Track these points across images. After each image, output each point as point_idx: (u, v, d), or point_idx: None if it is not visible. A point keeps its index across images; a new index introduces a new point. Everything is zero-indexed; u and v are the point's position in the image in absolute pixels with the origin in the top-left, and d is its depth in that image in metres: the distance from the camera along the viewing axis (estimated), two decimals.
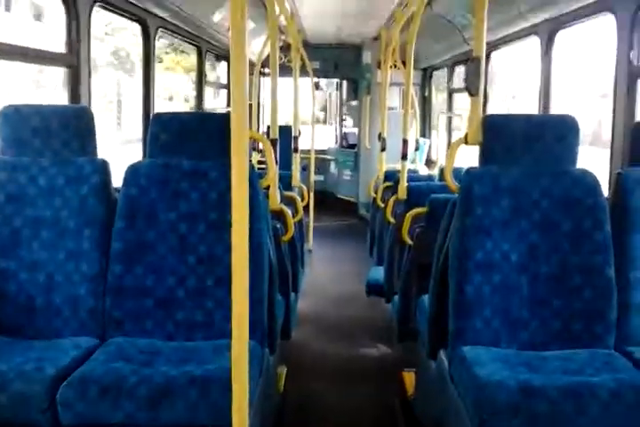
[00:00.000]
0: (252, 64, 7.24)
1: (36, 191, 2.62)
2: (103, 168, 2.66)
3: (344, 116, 10.58)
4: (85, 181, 2.62)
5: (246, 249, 1.65)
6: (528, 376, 2.10)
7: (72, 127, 2.66)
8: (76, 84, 3.51)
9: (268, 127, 4.11)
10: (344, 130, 10.39)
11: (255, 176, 2.63)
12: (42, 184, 2.63)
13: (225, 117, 2.76)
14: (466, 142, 2.68)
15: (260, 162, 5.97)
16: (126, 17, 4.41)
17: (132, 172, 2.64)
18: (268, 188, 3.45)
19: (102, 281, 2.55)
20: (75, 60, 3.49)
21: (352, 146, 9.99)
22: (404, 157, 4.75)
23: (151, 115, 4.55)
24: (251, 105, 7.23)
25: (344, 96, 10.40)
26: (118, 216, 2.58)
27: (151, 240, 2.57)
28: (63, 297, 2.54)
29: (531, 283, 2.47)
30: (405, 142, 4.82)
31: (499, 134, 2.59)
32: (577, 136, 2.58)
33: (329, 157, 10.35)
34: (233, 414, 1.70)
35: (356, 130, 9.92)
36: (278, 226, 3.44)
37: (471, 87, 2.70)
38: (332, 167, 10.29)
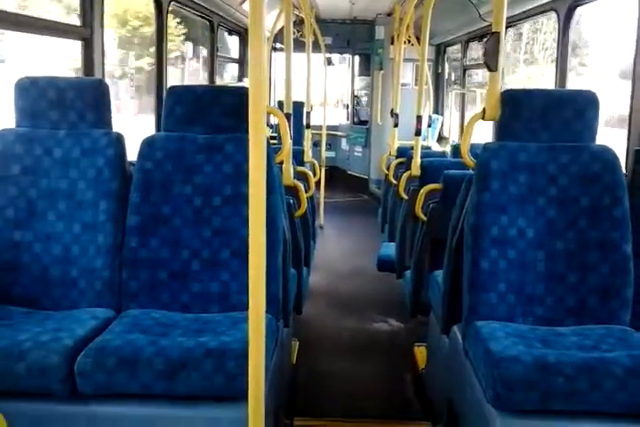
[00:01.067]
0: None
1: (52, 163, 2.63)
2: (118, 141, 2.66)
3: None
4: (101, 153, 2.62)
5: (263, 224, 1.66)
6: (543, 352, 2.10)
7: (88, 99, 2.66)
8: (89, 56, 3.50)
9: (279, 102, 4.09)
10: (356, 106, 10.31)
11: (270, 151, 2.62)
12: (57, 156, 2.63)
13: (240, 91, 2.75)
14: (483, 118, 2.66)
15: (271, 137, 5.95)
16: None
17: (147, 145, 2.64)
18: (281, 163, 3.44)
19: (118, 253, 2.57)
20: (88, 33, 3.47)
21: (363, 122, 9.93)
22: (418, 133, 4.71)
23: (164, 88, 4.55)
24: None
25: (356, 72, 10.30)
26: (134, 189, 2.59)
27: (166, 213, 2.58)
28: (79, 269, 2.56)
29: (547, 258, 2.46)
30: (420, 119, 4.78)
31: (517, 109, 2.56)
32: (596, 111, 2.56)
33: (340, 133, 10.30)
34: (249, 385, 1.72)
35: (367, 106, 9.86)
36: (291, 201, 3.45)
37: (490, 62, 2.67)
38: (344, 143, 10.24)
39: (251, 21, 1.58)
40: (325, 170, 7.72)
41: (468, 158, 2.79)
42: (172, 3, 4.81)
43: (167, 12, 4.74)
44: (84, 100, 2.65)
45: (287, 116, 3.81)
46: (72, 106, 2.64)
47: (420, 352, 3.58)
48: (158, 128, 4.56)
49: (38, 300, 2.55)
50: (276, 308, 2.51)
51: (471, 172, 2.72)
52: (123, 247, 2.57)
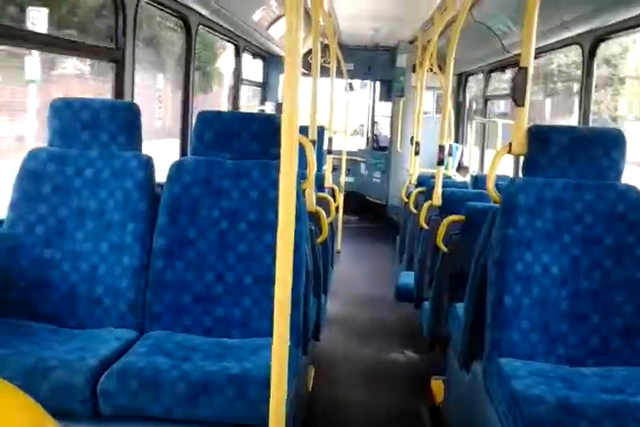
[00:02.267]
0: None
1: (82, 183, 2.66)
2: (148, 163, 2.70)
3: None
4: (130, 175, 2.66)
5: (291, 251, 1.66)
6: (567, 393, 2.08)
7: (119, 122, 2.70)
8: (120, 79, 3.56)
9: (301, 127, 4.11)
10: (375, 132, 10.37)
11: (298, 178, 2.64)
12: (88, 176, 2.67)
13: (269, 118, 2.78)
14: (509, 152, 2.67)
15: None
16: (169, 13, 4.46)
17: (176, 168, 2.67)
18: (304, 189, 3.46)
19: (143, 274, 2.59)
20: (120, 55, 3.54)
21: (383, 148, 9.97)
22: (441, 162, 4.72)
23: (190, 112, 4.60)
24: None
25: (376, 98, 10.38)
26: (161, 212, 2.62)
27: (192, 236, 2.60)
28: (105, 288, 2.58)
29: (571, 297, 2.44)
30: (442, 148, 4.79)
31: (543, 145, 2.57)
32: (623, 150, 2.56)
33: (359, 158, 10.34)
34: (270, 413, 1.71)
35: (387, 132, 9.91)
36: (313, 228, 3.45)
37: (517, 97, 2.69)
38: (363, 169, 10.27)
39: (287, 49, 1.61)
40: (344, 195, 7.74)
41: (493, 192, 2.79)
42: (201, 26, 4.90)
43: (196, 36, 4.82)
44: (115, 123, 2.70)
45: (313, 142, 3.84)
46: (104, 127, 2.69)
47: (437, 386, 3.54)
48: (183, 152, 4.61)
49: (64, 318, 2.57)
50: (296, 336, 2.51)
51: (494, 205, 2.71)
52: (148, 269, 2.58)
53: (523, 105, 2.69)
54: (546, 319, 2.43)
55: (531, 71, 2.72)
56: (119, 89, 3.52)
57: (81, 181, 2.66)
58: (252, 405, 2.02)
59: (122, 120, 2.70)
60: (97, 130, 2.69)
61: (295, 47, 1.64)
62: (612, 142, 2.55)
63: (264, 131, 2.70)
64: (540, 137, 2.59)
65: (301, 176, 3.14)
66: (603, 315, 2.43)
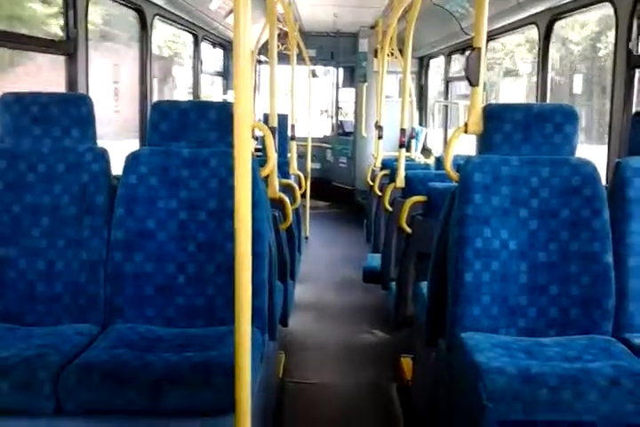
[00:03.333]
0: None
1: (36, 179, 2.62)
2: (103, 156, 2.67)
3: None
4: (85, 168, 2.62)
5: (249, 237, 1.67)
6: (527, 363, 2.13)
7: (72, 115, 2.66)
8: (73, 71, 3.50)
9: (265, 115, 4.12)
10: (340, 118, 10.38)
11: (256, 164, 2.64)
12: (41, 172, 2.63)
13: (225, 106, 2.77)
14: (466, 131, 2.70)
15: (256, 149, 5.98)
16: (123, 4, 4.40)
17: (132, 159, 2.64)
18: (266, 176, 3.46)
19: (102, 268, 2.56)
20: (72, 48, 3.48)
21: (348, 133, 9.99)
22: (402, 145, 4.76)
23: (148, 104, 4.56)
24: None
25: (340, 84, 10.38)
26: (118, 204, 2.59)
27: (151, 228, 2.58)
28: (63, 284, 2.55)
29: (529, 270, 2.49)
30: (404, 131, 4.83)
31: (498, 123, 2.60)
32: (576, 125, 2.60)
33: (325, 144, 10.34)
34: (235, 399, 1.72)
35: (352, 118, 9.92)
36: (277, 214, 3.46)
37: (472, 77, 2.71)
38: (329, 155, 10.29)
39: (235, 36, 1.60)
40: (311, 181, 7.74)
41: (451, 172, 2.82)
42: (157, 17, 4.84)
43: (151, 27, 4.76)
44: (68, 116, 2.65)
45: (273, 129, 3.83)
46: (56, 121, 2.65)
47: (406, 364, 3.59)
48: (142, 143, 4.57)
49: (23, 316, 2.54)
50: (261, 321, 2.52)
51: (455, 184, 2.75)
52: (107, 262, 2.56)
53: (477, 85, 2.72)
54: (506, 293, 2.47)
55: (484, 51, 2.75)
56: (72, 82, 3.47)
57: (34, 176, 2.62)
58: (217, 393, 2.02)
59: (74, 113, 2.66)
60: (49, 124, 2.64)
61: (244, 34, 1.63)
62: (564, 117, 2.59)
63: (220, 119, 2.68)
64: (494, 115, 2.62)
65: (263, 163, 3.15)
66: (561, 286, 2.48)
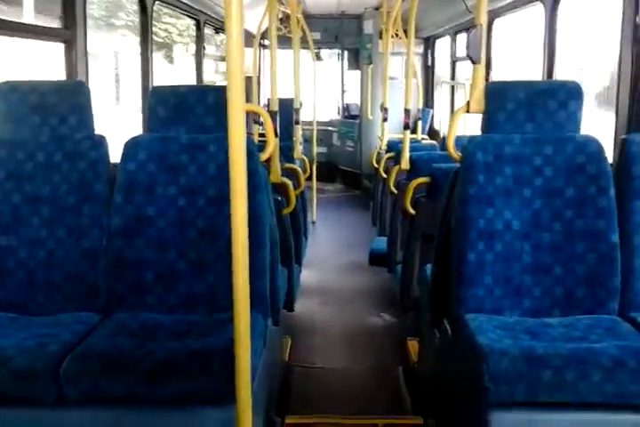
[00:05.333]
0: (251, 36, 7.16)
1: (35, 168, 2.61)
2: (101, 144, 2.65)
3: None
4: (83, 156, 2.61)
5: (245, 222, 1.65)
6: (531, 344, 2.11)
7: (69, 103, 2.64)
8: (72, 59, 3.48)
9: (269, 100, 4.08)
10: (346, 101, 10.30)
11: (253, 149, 2.61)
12: (40, 161, 2.62)
13: (223, 90, 2.73)
14: (468, 111, 2.66)
15: (261, 135, 5.94)
16: None
17: (131, 146, 2.63)
18: (268, 160, 3.43)
19: (102, 257, 2.56)
20: (70, 35, 3.45)
21: (354, 117, 9.92)
22: (407, 126, 4.71)
23: (150, 89, 4.53)
24: (251, 78, 7.16)
25: (345, 66, 10.29)
26: (117, 191, 2.58)
27: (150, 214, 2.56)
28: (64, 273, 2.55)
29: (533, 250, 2.46)
30: (408, 112, 4.78)
31: (501, 102, 2.56)
32: (580, 102, 2.56)
33: (331, 128, 10.28)
34: (236, 386, 1.71)
35: (357, 100, 9.84)
36: (280, 198, 3.44)
37: (473, 55, 2.67)
38: (335, 139, 10.23)
39: (226, 17, 1.57)
40: (317, 165, 7.71)
41: (453, 152, 2.79)
42: (157, 1, 4.79)
43: (152, 12, 4.72)
44: (65, 104, 2.64)
45: (273, 113, 3.79)
46: (53, 110, 2.63)
47: (413, 346, 3.58)
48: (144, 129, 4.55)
49: (23, 305, 2.54)
50: (263, 306, 2.50)
51: (459, 165, 2.71)
52: (107, 250, 2.55)
53: (479, 62, 2.67)
54: (510, 273, 2.45)
55: (484, 28, 2.70)
56: (71, 70, 3.44)
57: (32, 165, 2.61)
58: (218, 380, 2.01)
59: (71, 101, 2.64)
60: (46, 112, 2.63)
61: (237, 14, 1.59)
62: (569, 94, 2.54)
63: (219, 103, 2.65)
64: (496, 93, 2.58)
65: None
66: (565, 266, 2.45)
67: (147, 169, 2.58)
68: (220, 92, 2.69)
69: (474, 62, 2.68)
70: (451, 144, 2.77)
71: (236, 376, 1.71)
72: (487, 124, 2.60)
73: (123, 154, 2.62)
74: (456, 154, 2.78)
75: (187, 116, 2.66)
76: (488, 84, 2.62)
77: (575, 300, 2.44)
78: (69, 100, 2.64)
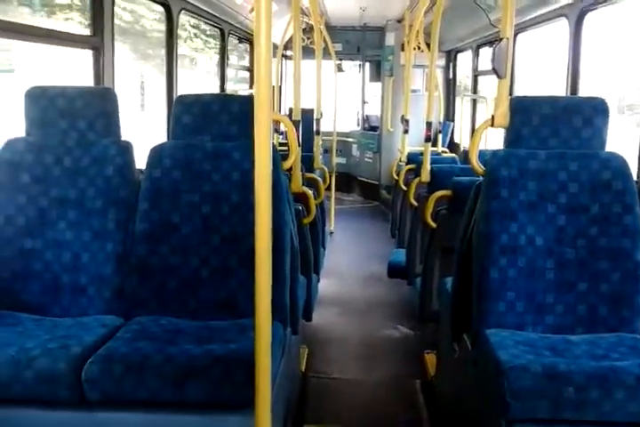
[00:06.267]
0: (274, 46, 7.22)
1: (62, 172, 2.65)
2: (127, 149, 2.68)
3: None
4: (110, 162, 2.64)
5: (269, 230, 1.66)
6: (553, 360, 2.08)
7: (96, 108, 2.68)
8: (99, 66, 3.53)
9: (290, 109, 4.10)
10: (366, 112, 10.32)
11: (277, 158, 2.63)
12: (67, 165, 2.65)
13: (247, 99, 2.76)
14: (492, 125, 2.65)
15: (281, 144, 5.97)
16: None
17: (156, 153, 2.65)
18: (290, 170, 3.44)
19: (126, 261, 2.58)
20: (99, 42, 3.50)
21: (374, 128, 9.93)
22: (428, 139, 4.71)
23: (174, 97, 4.57)
24: (273, 87, 7.20)
25: (366, 78, 10.32)
26: (142, 197, 2.60)
27: (175, 221, 2.59)
28: (88, 276, 2.58)
29: (556, 267, 2.44)
30: (429, 125, 4.78)
31: (526, 117, 2.55)
32: (606, 119, 2.54)
33: (351, 139, 10.31)
34: (255, 393, 1.71)
35: (378, 112, 9.86)
36: (300, 208, 3.45)
37: (498, 69, 2.66)
38: (354, 150, 10.25)
39: (256, 29, 1.58)
40: (336, 176, 7.72)
41: (476, 165, 2.78)
42: (183, 11, 4.85)
43: (177, 22, 4.77)
44: (92, 109, 2.67)
45: (296, 123, 3.82)
46: (81, 115, 2.67)
47: (430, 360, 3.56)
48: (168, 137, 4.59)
49: (48, 307, 2.57)
50: (283, 315, 2.51)
51: (480, 178, 2.71)
52: (131, 255, 2.58)
53: (504, 77, 2.67)
54: (532, 290, 2.43)
55: (511, 42, 2.69)
56: (99, 76, 3.49)
57: (60, 169, 2.65)
58: (238, 386, 2.01)
59: (99, 106, 2.68)
60: (74, 117, 2.66)
61: (265, 24, 1.61)
62: (594, 111, 2.53)
63: (243, 112, 2.67)
64: (521, 108, 2.58)
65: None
66: (589, 283, 2.43)
67: (171, 176, 2.61)
68: (244, 101, 2.72)
69: (499, 76, 2.68)
70: (474, 158, 2.77)
71: (255, 383, 1.71)
72: (511, 139, 2.59)
73: (148, 161, 2.65)
74: (479, 168, 2.78)
75: (211, 124, 2.69)
76: (513, 99, 2.62)
77: (598, 318, 2.42)
78: (97, 105, 2.68)
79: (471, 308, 2.50)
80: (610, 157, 2.51)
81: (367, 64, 10.17)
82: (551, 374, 1.99)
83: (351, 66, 10.65)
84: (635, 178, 2.54)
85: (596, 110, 2.53)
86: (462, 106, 7.64)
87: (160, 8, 4.65)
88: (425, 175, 4.39)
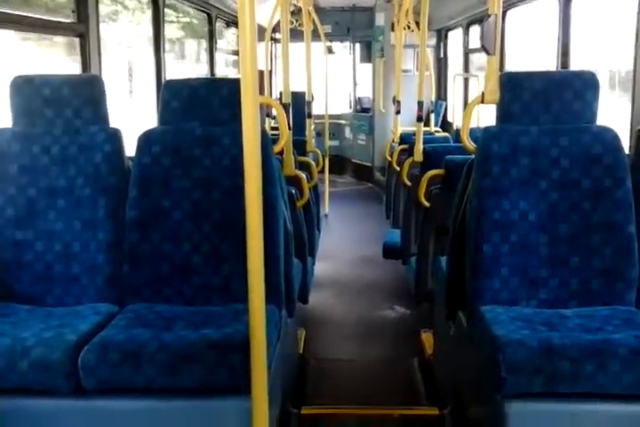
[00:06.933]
0: (263, 30, 7.15)
1: (50, 161, 2.62)
2: (115, 137, 2.66)
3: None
4: (98, 149, 2.62)
5: (260, 214, 1.66)
6: (548, 335, 2.10)
7: (83, 96, 2.65)
8: (86, 53, 3.49)
9: (281, 93, 4.08)
10: (358, 94, 10.28)
11: (267, 141, 2.61)
12: (55, 154, 2.63)
13: (236, 83, 2.73)
14: (482, 101, 2.64)
15: (273, 128, 5.95)
16: None
17: (145, 139, 2.63)
18: (282, 153, 3.43)
19: (119, 249, 2.57)
20: (84, 29, 3.47)
21: (366, 110, 9.90)
22: (420, 119, 4.70)
23: (162, 81, 4.54)
24: (263, 71, 7.16)
25: (357, 59, 10.26)
26: (132, 184, 2.59)
27: (166, 207, 2.57)
28: (81, 265, 2.57)
29: (549, 242, 2.45)
30: (421, 104, 4.76)
31: (516, 92, 2.54)
32: (596, 92, 2.53)
33: (343, 121, 10.27)
34: (251, 377, 1.72)
35: (369, 94, 9.82)
36: (293, 191, 3.44)
37: (487, 46, 2.65)
38: (347, 132, 10.22)
39: (240, 11, 1.57)
40: (330, 159, 7.70)
41: (467, 143, 2.77)
42: None
43: (164, 6, 4.73)
44: (79, 97, 2.64)
45: (286, 106, 3.79)
46: (68, 103, 2.64)
47: (427, 338, 3.59)
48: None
49: (41, 297, 2.56)
50: (278, 298, 2.51)
51: (473, 156, 2.70)
52: (123, 243, 2.57)
53: (493, 53, 2.66)
54: (526, 265, 2.44)
55: (499, 18, 2.68)
56: (85, 63, 3.46)
57: (48, 159, 2.62)
58: (235, 371, 2.02)
59: (85, 94, 2.65)
60: (60, 106, 2.63)
61: (249, 9, 1.60)
62: (585, 84, 2.52)
63: (232, 96, 2.65)
64: (511, 84, 2.56)
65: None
66: (582, 258, 2.44)
67: (161, 162, 2.59)
68: (233, 85, 2.69)
69: (488, 53, 2.67)
70: (465, 135, 2.76)
71: (251, 367, 1.72)
72: (502, 115, 2.59)
73: (137, 147, 2.63)
74: (470, 145, 2.77)
75: (200, 108, 2.66)
76: (502, 75, 2.61)
77: (592, 292, 2.43)
78: (84, 93, 2.65)
79: (466, 285, 2.51)
80: (601, 131, 2.50)
81: (357, 45, 10.10)
82: (546, 347, 2.00)
83: (341, 47, 10.58)
84: (626, 151, 2.53)
85: (587, 84, 2.52)
86: (454, 85, 7.60)
87: None
88: (417, 155, 4.39)
